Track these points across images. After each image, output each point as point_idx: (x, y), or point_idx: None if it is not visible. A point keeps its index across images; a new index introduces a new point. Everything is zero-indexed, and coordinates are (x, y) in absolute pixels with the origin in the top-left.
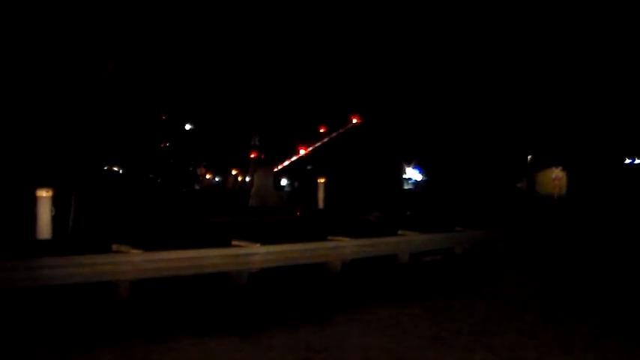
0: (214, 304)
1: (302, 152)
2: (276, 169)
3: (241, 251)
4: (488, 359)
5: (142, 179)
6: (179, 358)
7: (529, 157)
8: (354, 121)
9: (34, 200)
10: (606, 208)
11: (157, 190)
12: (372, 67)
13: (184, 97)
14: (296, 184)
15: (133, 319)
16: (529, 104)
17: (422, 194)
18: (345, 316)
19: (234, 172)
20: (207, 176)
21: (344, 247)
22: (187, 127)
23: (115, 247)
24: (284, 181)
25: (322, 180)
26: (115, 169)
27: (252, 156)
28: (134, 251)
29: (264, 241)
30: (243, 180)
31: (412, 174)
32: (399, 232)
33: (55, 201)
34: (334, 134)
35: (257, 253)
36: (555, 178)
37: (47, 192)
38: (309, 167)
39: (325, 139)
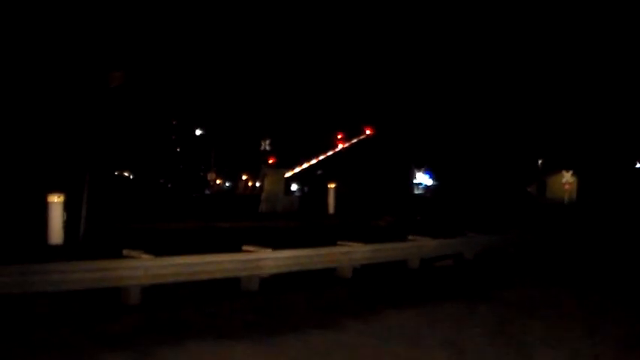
0: (225, 310)
1: (314, 161)
2: (286, 175)
3: (252, 256)
4: None
5: (152, 184)
6: None
7: (539, 161)
8: (368, 132)
9: (45, 205)
10: (617, 213)
11: (167, 196)
12: (384, 73)
13: (195, 102)
14: (306, 189)
15: (145, 324)
16: (540, 108)
17: (432, 199)
18: (356, 322)
19: (244, 177)
20: (218, 181)
21: (354, 252)
22: (198, 132)
23: (125, 252)
24: (294, 186)
25: (333, 185)
26: (126, 174)
27: (262, 161)
28: (145, 256)
29: (275, 247)
30: (254, 185)
31: (423, 179)
32: (410, 237)
33: (67, 206)
34: (347, 144)
35: (268, 259)
36: (566, 182)
37: (59, 197)
38: (319, 172)
39: (338, 149)
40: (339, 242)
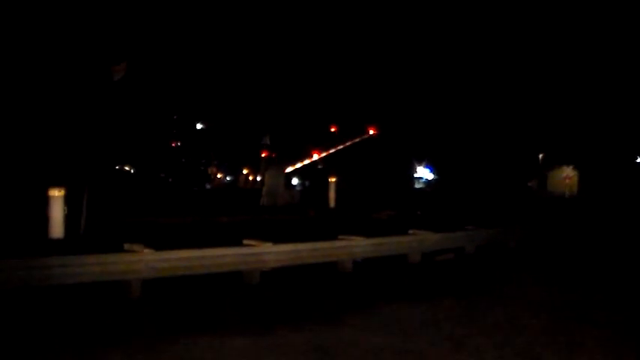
0: (226, 304)
1: (315, 157)
2: (288, 170)
3: (253, 250)
4: (502, 359)
5: (153, 178)
6: (192, 356)
7: (540, 155)
8: (371, 132)
9: (46, 200)
10: (617, 208)
11: (168, 190)
12: (385, 68)
13: (195, 96)
14: (307, 183)
15: (146, 317)
16: (540, 103)
17: (433, 193)
18: (356, 316)
19: (245, 172)
20: (219, 175)
21: (355, 246)
22: (198, 126)
23: (126, 246)
24: (295, 180)
25: (333, 179)
26: (127, 168)
27: (263, 155)
28: (146, 250)
29: (276, 241)
30: (255, 179)
31: (423, 173)
32: (411, 231)
33: (68, 200)
34: (349, 143)
35: (269, 252)
36: (566, 176)
37: (59, 191)
38: (320, 166)
39: (340, 147)
40: (339, 236)
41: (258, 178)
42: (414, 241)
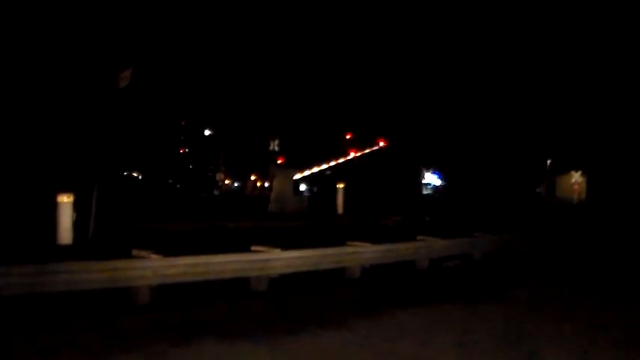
0: (234, 310)
1: (324, 166)
2: (296, 177)
3: (261, 256)
4: None
5: (161, 184)
6: None
7: (548, 161)
8: (381, 144)
9: (55, 206)
10: (626, 213)
11: (176, 196)
12: (393, 74)
13: (203, 102)
14: (315, 189)
15: (155, 324)
16: (548, 108)
17: (441, 199)
18: (364, 322)
19: (253, 178)
20: (226, 181)
21: (363, 252)
22: (206, 132)
23: (135, 252)
24: (303, 187)
25: (341, 185)
26: (135, 174)
27: (272, 161)
28: (154, 256)
29: (284, 247)
30: (262, 185)
31: (431, 179)
32: (418, 237)
33: (76, 206)
34: (359, 154)
35: (277, 259)
36: (575, 182)
37: (68, 197)
38: (328, 172)
39: (349, 157)
40: (348, 242)
41: (266, 185)
42: (422, 248)
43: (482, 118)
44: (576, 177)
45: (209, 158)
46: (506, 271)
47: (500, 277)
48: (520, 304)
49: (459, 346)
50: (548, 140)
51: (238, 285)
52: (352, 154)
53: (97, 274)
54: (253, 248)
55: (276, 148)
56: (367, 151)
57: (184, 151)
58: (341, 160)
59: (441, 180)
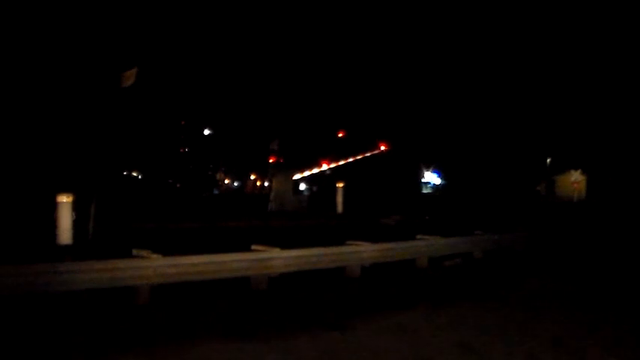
0: (235, 309)
1: (325, 167)
2: (295, 177)
3: (261, 256)
4: None
5: (161, 184)
6: None
7: (548, 160)
8: (382, 148)
9: (54, 205)
10: (626, 212)
11: (176, 195)
12: (393, 74)
13: (203, 102)
14: (315, 188)
15: (155, 323)
16: (548, 107)
17: (441, 198)
18: (364, 321)
19: (252, 177)
20: (226, 181)
21: (363, 251)
22: (206, 132)
23: (135, 251)
24: (302, 186)
25: (341, 184)
26: (135, 174)
27: (270, 161)
28: (154, 256)
29: (284, 246)
30: (262, 185)
31: (431, 178)
32: (418, 236)
33: (76, 206)
34: (359, 156)
35: (276, 258)
36: (574, 181)
37: (68, 197)
38: (328, 172)
39: (350, 159)
40: (347, 242)
41: (266, 184)
42: (422, 247)
43: (482, 116)
44: (576, 176)
45: (209, 158)
46: (506, 269)
47: (501, 276)
48: (519, 303)
49: (460, 346)
50: (547, 139)
51: (238, 284)
52: (352, 158)
53: (97, 273)
54: (253, 247)
55: (276, 148)
56: (368, 154)
57: (184, 151)
58: (341, 162)
59: (441, 179)
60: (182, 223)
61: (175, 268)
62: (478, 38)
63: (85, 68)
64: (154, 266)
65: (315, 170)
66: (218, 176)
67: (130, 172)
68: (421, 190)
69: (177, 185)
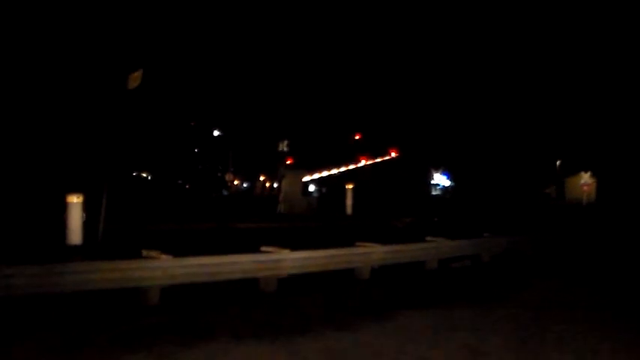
0: (244, 311)
1: (334, 170)
2: (305, 179)
3: (270, 257)
4: None
5: (170, 185)
6: None
7: (558, 162)
8: (393, 154)
9: (64, 206)
10: (636, 215)
11: (185, 196)
12: (402, 78)
13: (213, 103)
14: (324, 190)
15: (164, 324)
16: (557, 109)
17: (450, 200)
18: (373, 322)
19: (262, 178)
20: (235, 182)
21: (372, 253)
22: (216, 133)
23: (145, 252)
24: (312, 187)
25: (350, 186)
26: (144, 175)
27: (280, 162)
28: (164, 257)
29: (293, 247)
30: (271, 186)
31: (440, 180)
32: (427, 238)
33: (86, 207)
34: (370, 162)
35: (286, 259)
36: (584, 183)
37: (78, 198)
38: (337, 174)
39: (360, 164)
40: (357, 243)
41: (275, 185)
42: (431, 249)
43: (491, 119)
44: (586, 178)
45: (218, 159)
46: (514, 272)
47: (509, 279)
48: (528, 305)
49: (468, 349)
50: (557, 141)
51: (248, 285)
52: (363, 162)
53: (107, 274)
54: (263, 249)
55: (286, 149)
56: (378, 160)
57: (193, 152)
58: (351, 167)
59: (450, 181)
60: (191, 224)
61: (184, 269)
62: (486, 41)
63: (92, 70)
64: (163, 267)
65: (325, 173)
66: (227, 177)
67: (139, 172)
68: (430, 192)
69: (187, 186)
